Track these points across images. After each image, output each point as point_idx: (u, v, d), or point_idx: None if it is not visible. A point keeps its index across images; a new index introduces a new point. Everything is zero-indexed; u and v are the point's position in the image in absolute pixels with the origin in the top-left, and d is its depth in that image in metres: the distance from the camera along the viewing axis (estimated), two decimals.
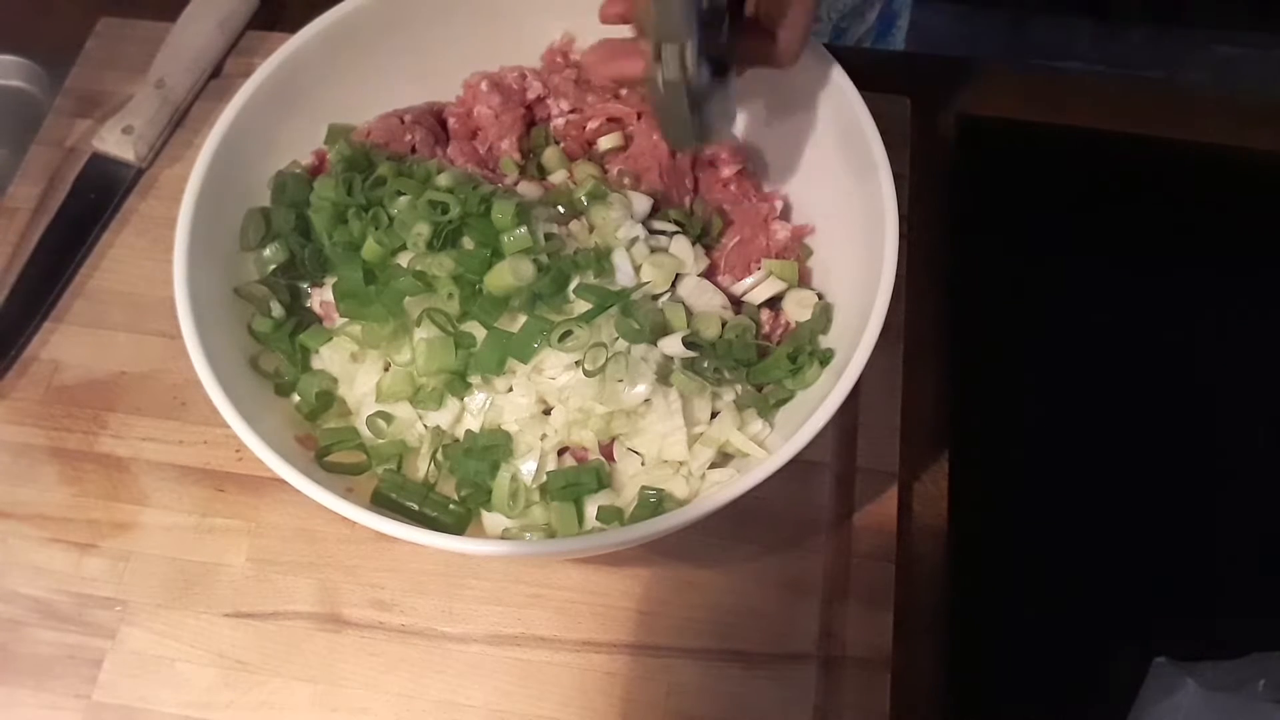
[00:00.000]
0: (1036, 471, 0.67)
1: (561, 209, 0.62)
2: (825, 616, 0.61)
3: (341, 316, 0.60)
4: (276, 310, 0.61)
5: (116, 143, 0.74)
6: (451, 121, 0.68)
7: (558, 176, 0.66)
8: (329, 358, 0.60)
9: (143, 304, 0.70)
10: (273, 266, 0.62)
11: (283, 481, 0.51)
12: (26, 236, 0.73)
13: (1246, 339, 0.71)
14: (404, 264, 0.58)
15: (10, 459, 0.66)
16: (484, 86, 0.68)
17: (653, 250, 0.61)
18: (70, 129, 0.77)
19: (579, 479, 0.56)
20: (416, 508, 0.56)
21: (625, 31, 0.59)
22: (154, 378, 0.68)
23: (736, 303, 0.63)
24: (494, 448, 0.56)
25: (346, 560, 0.63)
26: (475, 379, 0.57)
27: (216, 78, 0.79)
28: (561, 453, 0.58)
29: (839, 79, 0.59)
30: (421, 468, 0.58)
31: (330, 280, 0.61)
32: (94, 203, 0.74)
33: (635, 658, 0.60)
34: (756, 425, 0.58)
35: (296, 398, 0.59)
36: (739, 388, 0.59)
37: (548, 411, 0.58)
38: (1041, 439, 0.68)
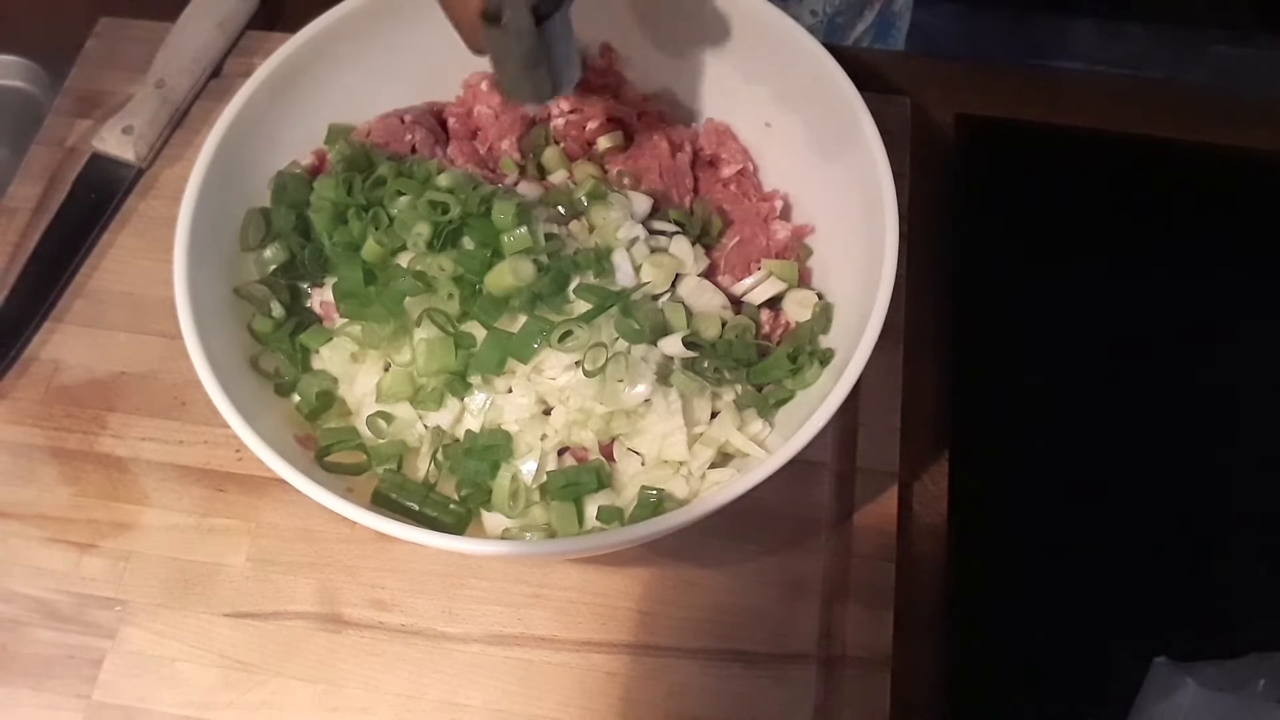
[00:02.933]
0: (1036, 471, 0.67)
1: (561, 209, 0.62)
2: (825, 616, 0.61)
3: (341, 316, 0.60)
4: (276, 310, 0.61)
5: (116, 143, 0.74)
6: (451, 121, 0.68)
7: (558, 176, 0.66)
8: (329, 358, 0.60)
9: (143, 304, 0.70)
10: (273, 266, 0.62)
11: (283, 481, 0.51)
12: (27, 236, 0.73)
13: (1247, 339, 0.71)
14: (404, 264, 0.59)
15: (10, 459, 0.66)
16: (484, 86, 0.68)
17: (653, 250, 0.61)
18: (70, 129, 0.77)
19: (579, 479, 0.56)
20: (416, 508, 0.56)
21: None
22: (154, 378, 0.68)
23: (736, 303, 0.63)
24: (494, 448, 0.56)
25: (346, 560, 0.63)
26: (475, 379, 0.57)
27: (216, 78, 0.79)
28: (561, 453, 0.58)
29: (839, 79, 0.59)
30: (421, 468, 0.58)
31: (330, 280, 0.61)
32: (94, 203, 0.74)
33: (635, 658, 0.60)
34: (756, 425, 0.58)
35: (296, 398, 0.59)
36: (739, 388, 0.59)
37: (548, 411, 0.58)
38: (1041, 439, 0.68)
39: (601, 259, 0.59)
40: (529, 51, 0.50)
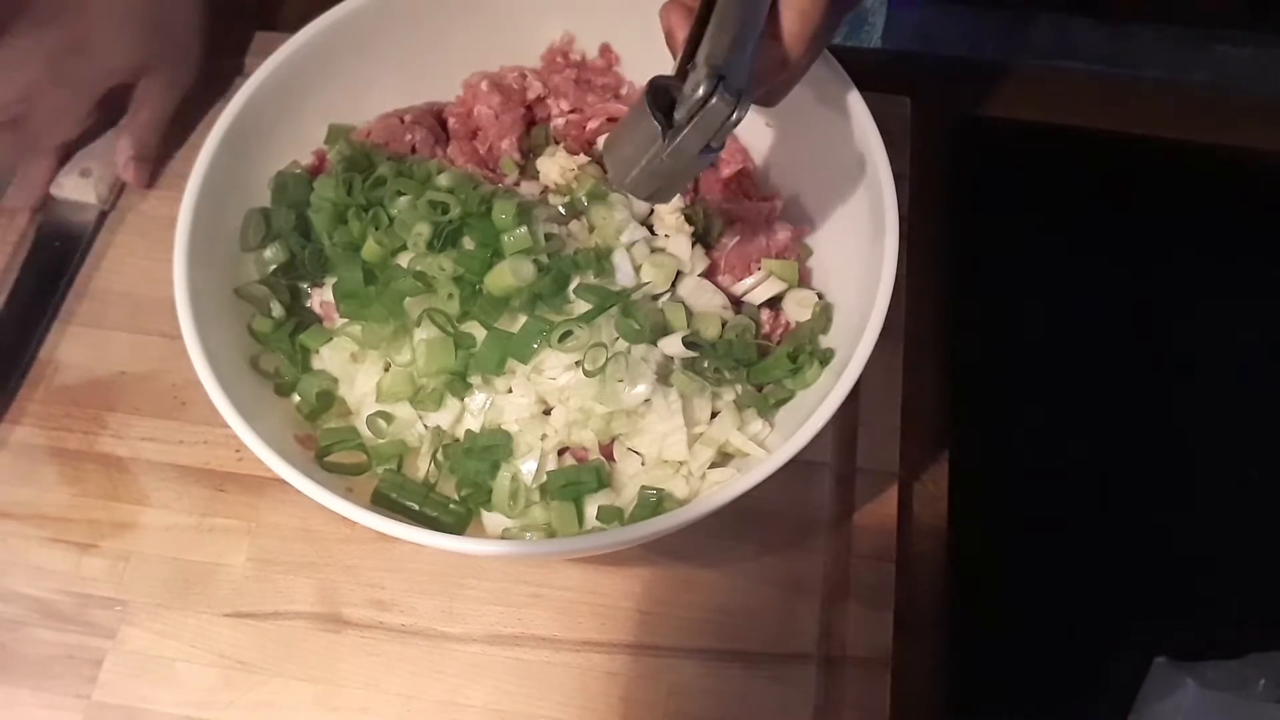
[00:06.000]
0: (1036, 471, 0.67)
1: (562, 209, 0.62)
2: (825, 616, 0.61)
3: (341, 317, 0.60)
4: (276, 310, 0.61)
5: (75, 187, 0.73)
6: (451, 121, 0.68)
7: (558, 176, 0.66)
8: (329, 358, 0.60)
9: (143, 304, 0.70)
10: (273, 267, 0.62)
11: (283, 481, 0.51)
12: (26, 236, 0.73)
13: (1247, 338, 0.71)
14: (404, 264, 0.59)
15: (10, 459, 0.66)
16: (484, 86, 0.68)
17: (653, 250, 0.61)
18: None
19: (579, 479, 0.56)
20: (416, 508, 0.56)
21: None
22: (154, 377, 0.68)
23: (737, 303, 0.63)
24: (494, 448, 0.56)
25: (346, 560, 0.63)
26: (475, 379, 0.57)
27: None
28: (562, 453, 0.58)
29: (839, 79, 0.59)
30: (421, 468, 0.58)
31: (330, 280, 0.61)
32: (61, 250, 0.72)
33: (635, 658, 0.60)
34: (756, 425, 0.58)
35: (296, 398, 0.59)
36: (739, 388, 0.59)
37: (548, 411, 0.58)
38: (1042, 439, 0.68)
39: (601, 259, 0.59)
40: (673, 170, 0.49)
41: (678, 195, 0.63)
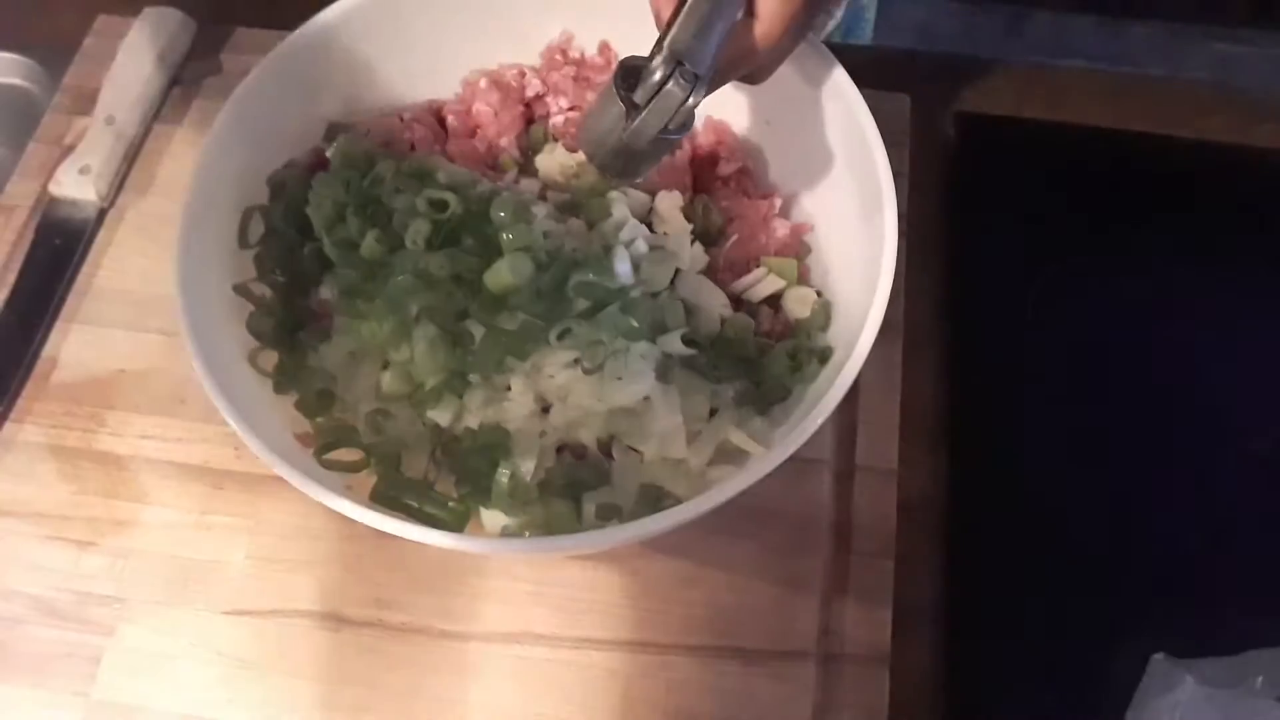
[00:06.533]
0: (1036, 470, 0.67)
1: (560, 207, 0.62)
2: (824, 614, 0.61)
3: (341, 314, 0.60)
4: (275, 308, 0.61)
5: (75, 185, 0.73)
6: (451, 119, 0.68)
7: (557, 174, 0.66)
8: (328, 356, 0.60)
9: (142, 301, 0.70)
10: (272, 265, 0.62)
11: (282, 479, 0.51)
12: (24, 234, 0.73)
13: (1247, 337, 0.71)
14: (403, 262, 0.58)
15: (10, 457, 0.66)
16: (483, 84, 0.68)
17: (652, 247, 0.61)
18: (68, 127, 0.77)
19: (578, 476, 0.56)
20: (416, 505, 0.56)
21: None
22: (153, 375, 0.68)
23: (736, 300, 0.63)
24: (493, 445, 0.56)
25: (346, 558, 0.63)
26: (474, 377, 0.57)
27: (164, 107, 0.78)
28: (561, 450, 0.58)
29: (839, 77, 0.59)
30: (420, 466, 0.58)
31: (330, 279, 0.61)
32: (61, 248, 0.72)
33: (635, 655, 0.60)
34: (756, 422, 0.58)
35: (295, 395, 0.59)
36: (738, 385, 0.59)
37: (547, 409, 0.58)
38: (1041, 437, 0.68)
39: (600, 256, 0.59)
40: (636, 150, 0.50)
41: (678, 193, 0.63)
